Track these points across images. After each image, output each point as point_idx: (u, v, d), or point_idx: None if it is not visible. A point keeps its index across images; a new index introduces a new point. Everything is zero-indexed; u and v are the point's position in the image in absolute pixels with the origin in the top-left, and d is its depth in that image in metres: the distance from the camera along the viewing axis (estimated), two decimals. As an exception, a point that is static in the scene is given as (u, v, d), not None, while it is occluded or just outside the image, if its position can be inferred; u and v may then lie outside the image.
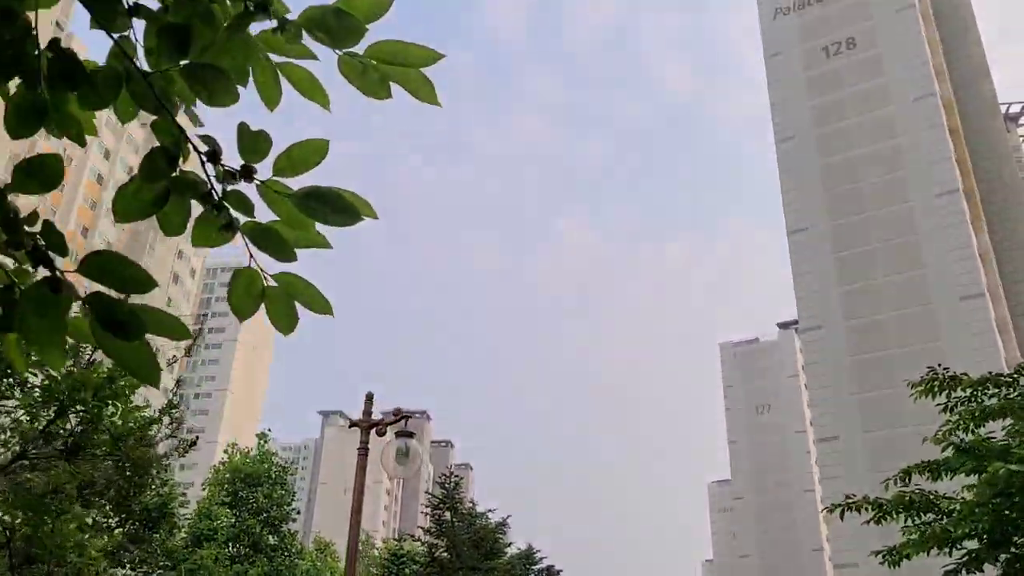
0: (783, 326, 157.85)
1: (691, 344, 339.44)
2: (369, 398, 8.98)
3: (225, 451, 32.29)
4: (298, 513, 34.61)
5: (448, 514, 24.68)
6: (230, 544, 29.35)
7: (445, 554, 24.17)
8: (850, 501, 10.94)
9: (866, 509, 10.98)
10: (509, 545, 26.75)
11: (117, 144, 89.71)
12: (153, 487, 22.31)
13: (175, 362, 17.25)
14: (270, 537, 30.63)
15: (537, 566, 28.25)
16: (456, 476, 24.72)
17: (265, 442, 32.24)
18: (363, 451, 8.64)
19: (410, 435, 8.68)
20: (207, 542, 23.84)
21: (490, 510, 26.09)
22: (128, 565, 19.83)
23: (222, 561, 24.04)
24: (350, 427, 8.84)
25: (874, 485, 51.03)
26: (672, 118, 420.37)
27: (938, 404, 11.50)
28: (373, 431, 8.70)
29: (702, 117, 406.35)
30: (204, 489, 29.91)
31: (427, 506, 25.90)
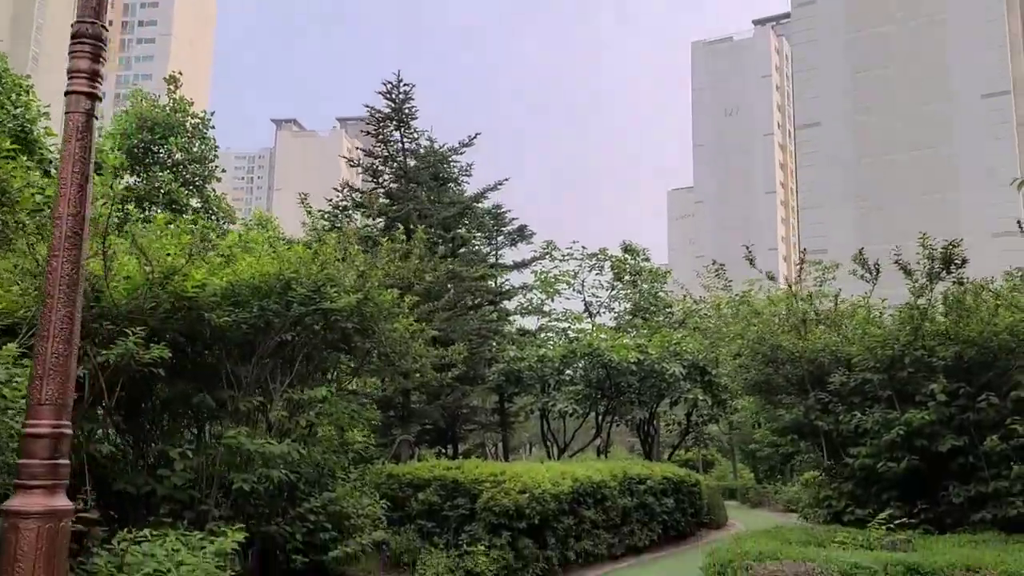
0: (759, 23, 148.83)
1: (660, 56, 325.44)
2: None
3: (128, 99, 26.71)
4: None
5: (397, 133, 19.61)
6: (145, 205, 24.94)
7: (394, 184, 19.60)
8: None
9: None
10: (479, 196, 22.31)
11: None
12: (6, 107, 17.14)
13: None
14: (192, 199, 26.24)
15: (508, 227, 24.29)
16: (406, 84, 19.07)
17: (176, 87, 26.68)
18: None
19: None
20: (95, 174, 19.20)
21: (449, 144, 20.72)
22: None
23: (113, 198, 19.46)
24: None
25: (859, 171, 47.24)
26: None
27: None
28: None
29: None
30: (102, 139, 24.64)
31: (367, 123, 20.59)
